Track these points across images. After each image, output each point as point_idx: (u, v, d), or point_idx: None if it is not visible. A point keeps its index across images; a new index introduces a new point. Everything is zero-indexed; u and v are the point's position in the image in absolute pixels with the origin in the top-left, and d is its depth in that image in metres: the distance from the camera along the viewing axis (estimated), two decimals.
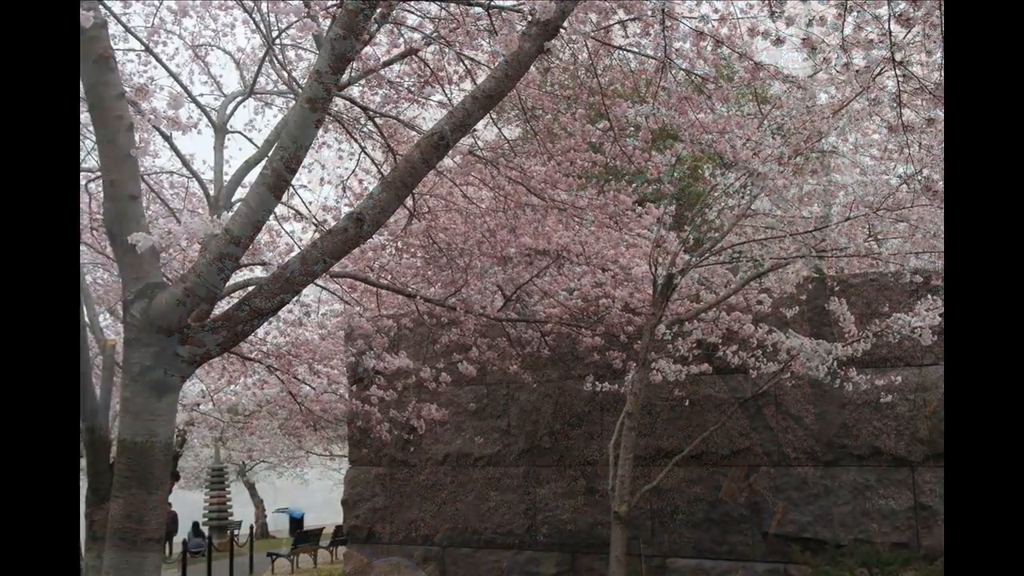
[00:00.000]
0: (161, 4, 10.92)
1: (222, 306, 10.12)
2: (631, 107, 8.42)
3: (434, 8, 9.54)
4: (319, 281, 11.42)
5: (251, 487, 43.33)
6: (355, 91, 10.75)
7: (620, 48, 8.45)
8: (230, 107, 10.73)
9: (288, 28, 9.40)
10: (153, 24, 10.91)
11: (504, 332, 12.88)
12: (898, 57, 6.23)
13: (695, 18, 7.04)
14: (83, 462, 10.72)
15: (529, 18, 6.69)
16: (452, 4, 8.72)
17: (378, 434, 13.37)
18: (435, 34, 9.30)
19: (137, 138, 6.62)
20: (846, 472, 12.23)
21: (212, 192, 9.65)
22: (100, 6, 6.48)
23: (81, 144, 10.21)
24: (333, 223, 8.26)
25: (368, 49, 9.15)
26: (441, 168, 10.73)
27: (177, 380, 6.45)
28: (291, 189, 11.31)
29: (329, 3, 8.51)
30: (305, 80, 7.42)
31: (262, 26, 9.33)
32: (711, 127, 8.27)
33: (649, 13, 7.11)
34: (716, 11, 7.12)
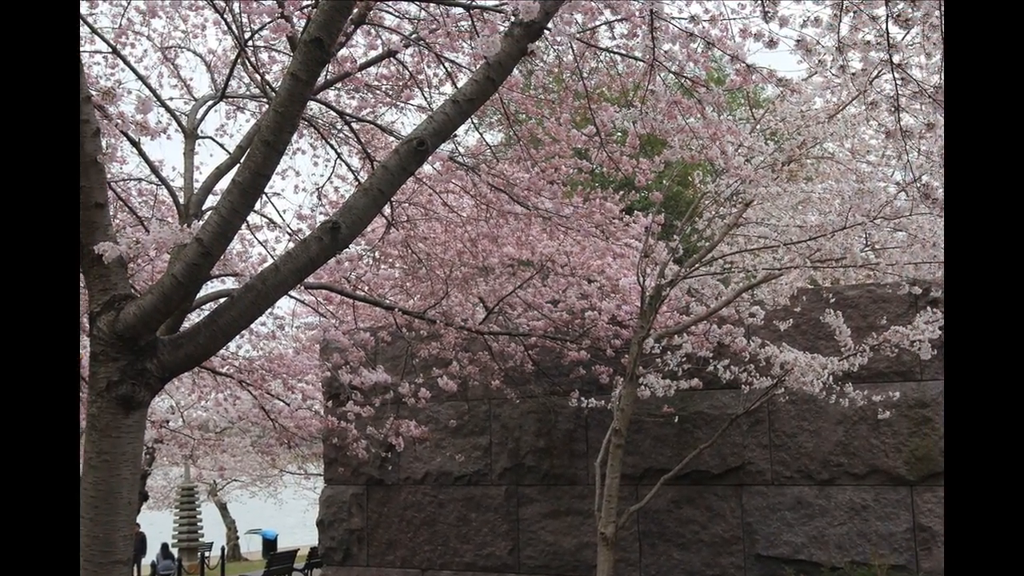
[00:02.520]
0: (129, 4, 10.88)
1: (192, 318, 10.08)
2: (618, 111, 8.41)
3: (413, 8, 9.53)
4: (293, 293, 11.40)
5: (222, 507, 43.20)
6: (331, 95, 10.74)
7: (607, 50, 8.45)
8: (201, 111, 10.68)
9: (261, 29, 9.36)
10: (121, 25, 10.87)
11: (486, 346, 12.87)
12: (896, 59, 6.24)
13: (685, 19, 7.03)
14: None
15: (512, 19, 6.69)
16: (432, 4, 8.71)
17: (355, 452, 13.34)
18: (414, 35, 9.29)
19: (104, 144, 6.60)
20: (842, 492, 12.24)
21: (182, 200, 9.60)
22: None
23: None
24: (308, 232, 8.24)
25: (344, 51, 9.14)
26: (420, 175, 10.72)
27: (145, 395, 6.42)
28: (264, 197, 11.28)
29: (304, 3, 8.50)
30: (279, 83, 7.40)
31: (234, 27, 9.28)
32: (701, 132, 8.26)
33: (637, 14, 7.10)
34: (707, 11, 7.12)
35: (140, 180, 11.97)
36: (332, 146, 11.10)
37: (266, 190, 7.27)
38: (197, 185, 9.86)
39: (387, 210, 10.62)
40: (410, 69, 10.20)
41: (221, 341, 6.69)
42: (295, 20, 8.45)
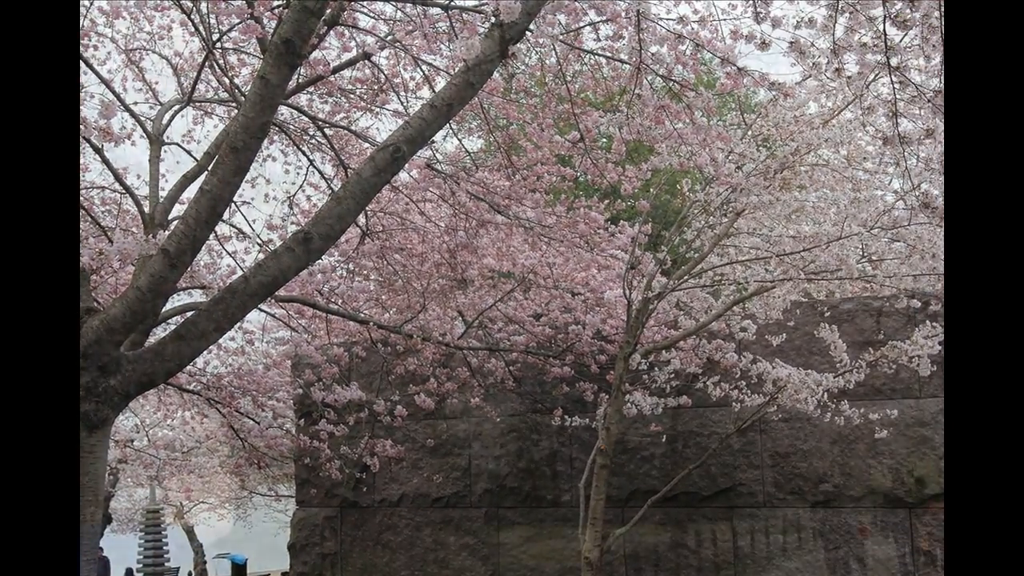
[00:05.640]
0: (92, 4, 10.86)
1: (158, 333, 10.05)
2: (603, 116, 8.41)
3: (389, 9, 9.53)
4: (263, 306, 11.37)
5: (189, 530, 43.02)
6: (303, 99, 10.72)
7: (591, 52, 8.46)
8: (167, 116, 10.66)
9: (230, 31, 9.35)
10: (83, 26, 10.85)
11: (465, 362, 12.84)
12: (894, 62, 6.25)
13: (673, 19, 7.04)
14: None
15: (492, 19, 6.68)
16: (408, 5, 8.70)
17: (328, 472, 13.30)
18: (390, 37, 9.28)
19: None
20: (837, 514, 12.23)
21: (147, 209, 9.58)
22: None
23: None
24: (279, 242, 8.23)
25: (317, 53, 9.12)
26: (396, 183, 10.70)
27: (108, 413, 6.39)
28: (233, 206, 11.26)
29: (274, 3, 8.48)
30: (248, 87, 7.39)
31: (201, 28, 9.27)
32: (690, 138, 8.27)
33: (623, 14, 7.10)
34: (696, 12, 7.12)
35: (103, 188, 11.94)
36: (304, 153, 11.08)
37: (235, 199, 7.26)
38: (163, 193, 9.83)
39: (361, 220, 10.60)
40: (386, 72, 10.19)
41: (188, 357, 6.67)
42: (265, 21, 8.43)
